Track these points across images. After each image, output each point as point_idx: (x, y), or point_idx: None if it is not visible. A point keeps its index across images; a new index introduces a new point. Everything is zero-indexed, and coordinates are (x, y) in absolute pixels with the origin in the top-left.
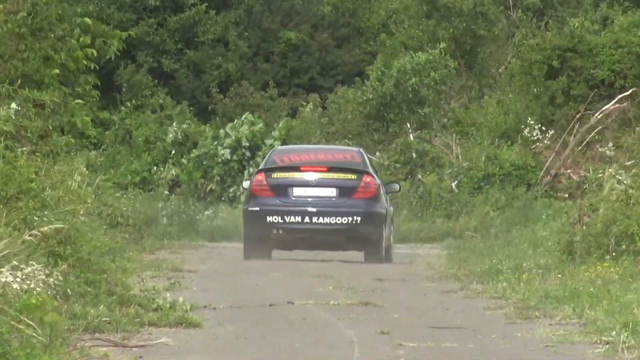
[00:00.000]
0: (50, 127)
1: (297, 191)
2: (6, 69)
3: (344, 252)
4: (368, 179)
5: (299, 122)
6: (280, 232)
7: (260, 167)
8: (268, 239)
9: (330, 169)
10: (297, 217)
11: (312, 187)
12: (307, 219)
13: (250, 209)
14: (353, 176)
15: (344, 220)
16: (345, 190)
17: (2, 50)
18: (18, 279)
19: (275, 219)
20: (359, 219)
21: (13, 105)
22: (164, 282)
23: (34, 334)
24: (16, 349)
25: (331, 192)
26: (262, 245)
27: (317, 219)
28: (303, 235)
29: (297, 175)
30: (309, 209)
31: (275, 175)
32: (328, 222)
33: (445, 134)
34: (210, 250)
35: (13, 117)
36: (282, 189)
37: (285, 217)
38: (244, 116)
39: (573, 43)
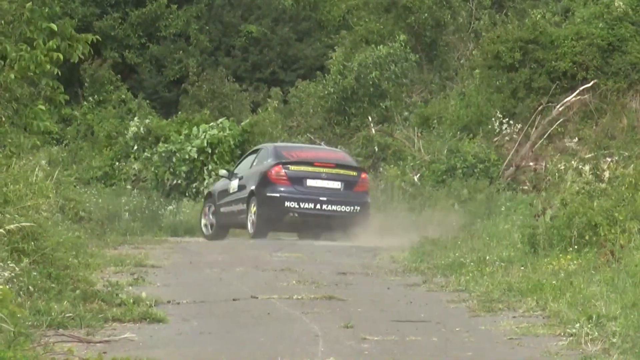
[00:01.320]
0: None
1: (310, 182)
2: None
3: (311, 242)
4: (364, 175)
5: (261, 118)
6: (296, 215)
7: (277, 161)
8: (282, 221)
9: (337, 166)
10: (310, 204)
11: (323, 180)
12: (318, 206)
13: (269, 194)
14: (354, 173)
15: (347, 208)
16: (348, 184)
17: None
18: None
19: (292, 204)
20: (358, 207)
21: None
22: (127, 278)
23: None
24: None
25: (337, 185)
26: (274, 226)
27: (327, 207)
28: (313, 219)
29: (311, 169)
30: (321, 198)
31: (292, 167)
32: (334, 209)
33: (407, 127)
34: (174, 245)
35: None
36: (298, 180)
37: (301, 203)
38: (219, 120)
39: (535, 35)
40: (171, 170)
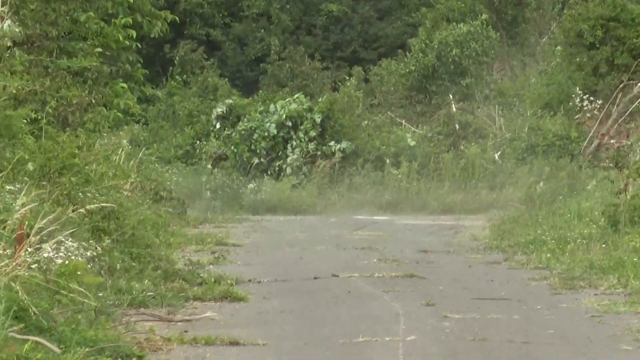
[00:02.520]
0: (93, 101)
1: None
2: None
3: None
4: None
5: (342, 96)
6: None
7: None
8: None
9: None
10: None
11: None
12: None
13: None
14: None
15: None
16: None
17: (31, 15)
18: (62, 254)
19: None
20: None
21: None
22: (208, 257)
23: (75, 304)
24: (61, 324)
25: None
26: None
27: None
28: None
29: None
30: None
31: None
32: None
33: (488, 105)
34: (254, 224)
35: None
36: None
37: None
38: (295, 95)
39: (615, 12)
40: (252, 147)
